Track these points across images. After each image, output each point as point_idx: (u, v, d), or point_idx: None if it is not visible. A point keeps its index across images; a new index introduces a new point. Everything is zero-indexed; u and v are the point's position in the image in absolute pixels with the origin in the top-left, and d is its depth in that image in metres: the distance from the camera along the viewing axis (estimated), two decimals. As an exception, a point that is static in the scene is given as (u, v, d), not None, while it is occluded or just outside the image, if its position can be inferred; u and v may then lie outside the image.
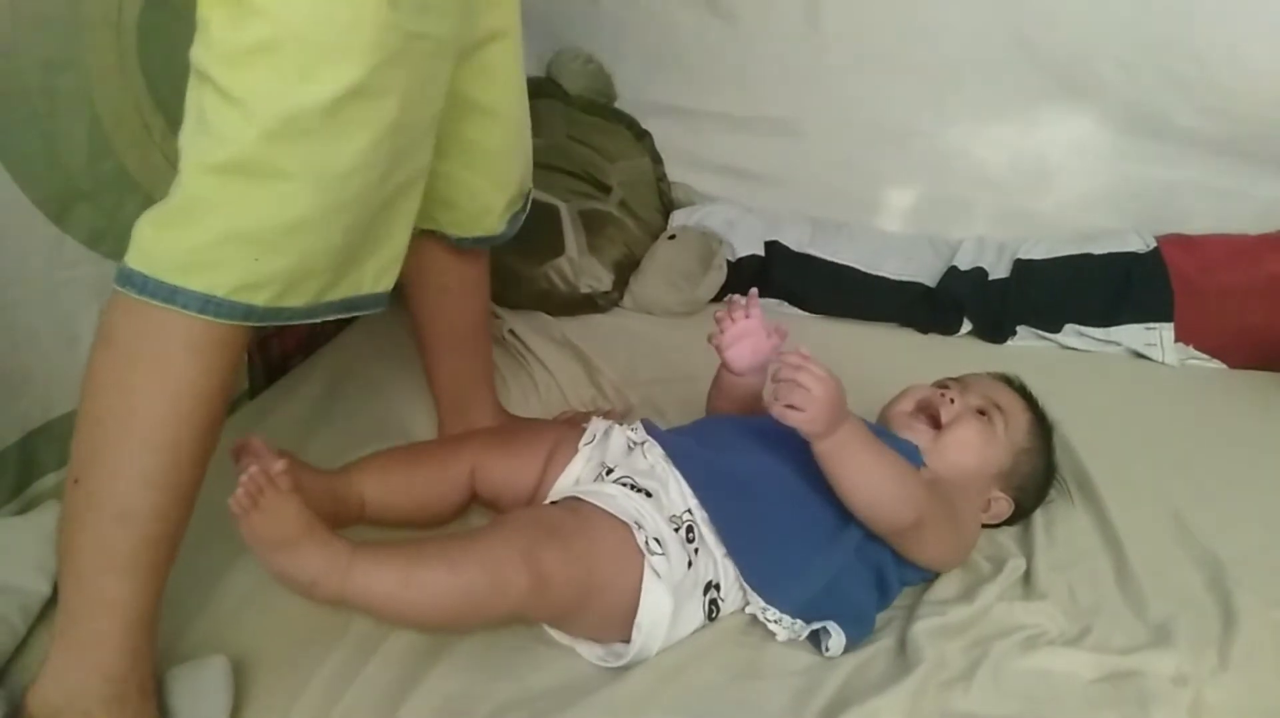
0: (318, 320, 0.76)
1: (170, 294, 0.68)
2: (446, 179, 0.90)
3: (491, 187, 0.95)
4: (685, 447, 0.91)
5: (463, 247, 0.98)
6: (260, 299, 0.70)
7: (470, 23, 0.81)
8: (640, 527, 0.83)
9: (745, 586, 0.85)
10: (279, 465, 0.74)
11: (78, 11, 0.88)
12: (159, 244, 0.69)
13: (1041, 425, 1.01)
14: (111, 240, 0.95)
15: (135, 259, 0.69)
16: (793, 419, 0.80)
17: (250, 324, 0.71)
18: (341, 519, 0.92)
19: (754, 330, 0.94)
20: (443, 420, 1.11)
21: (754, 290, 0.96)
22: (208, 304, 0.69)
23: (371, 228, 0.75)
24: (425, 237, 0.96)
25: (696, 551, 0.85)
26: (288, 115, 0.66)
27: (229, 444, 0.94)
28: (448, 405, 1.10)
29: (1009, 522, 1.00)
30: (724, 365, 0.98)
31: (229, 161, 0.67)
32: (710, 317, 1.41)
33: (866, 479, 0.82)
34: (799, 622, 0.85)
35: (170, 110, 0.97)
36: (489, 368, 1.13)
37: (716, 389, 1.01)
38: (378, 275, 0.79)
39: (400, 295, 0.96)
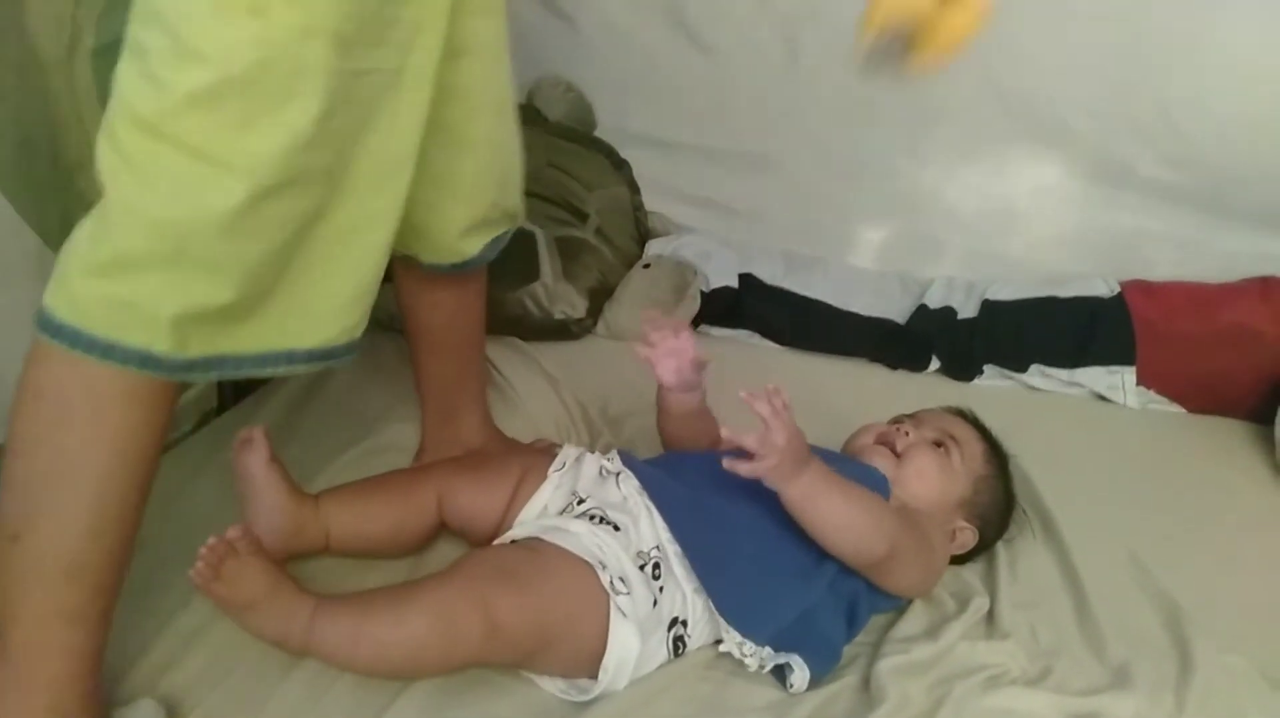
0: (271, 373, 0.74)
1: (106, 350, 0.65)
2: (414, 204, 0.86)
3: (462, 213, 0.91)
4: (660, 479, 0.91)
5: (438, 273, 0.96)
6: (194, 351, 0.68)
7: (436, 47, 0.76)
8: (604, 566, 0.82)
9: (719, 617, 0.85)
10: (235, 531, 0.75)
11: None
12: (90, 295, 0.65)
13: (996, 453, 1.03)
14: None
15: (65, 310, 0.65)
16: (757, 471, 0.80)
17: (192, 378, 0.69)
18: (297, 548, 0.92)
19: (682, 351, 0.97)
20: (426, 429, 1.10)
21: (684, 320, 0.98)
22: (147, 360, 0.66)
23: (306, 271, 0.71)
24: (407, 260, 0.95)
25: (661, 588, 0.85)
26: (228, 164, 0.62)
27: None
28: (432, 412, 1.09)
29: (973, 553, 1.01)
30: (656, 379, 1.00)
31: (160, 216, 0.63)
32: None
33: (836, 520, 0.83)
34: (768, 649, 0.85)
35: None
36: (479, 380, 1.11)
37: (660, 409, 1.02)
38: (330, 322, 0.75)
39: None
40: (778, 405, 0.81)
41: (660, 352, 0.97)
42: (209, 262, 0.65)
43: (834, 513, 0.83)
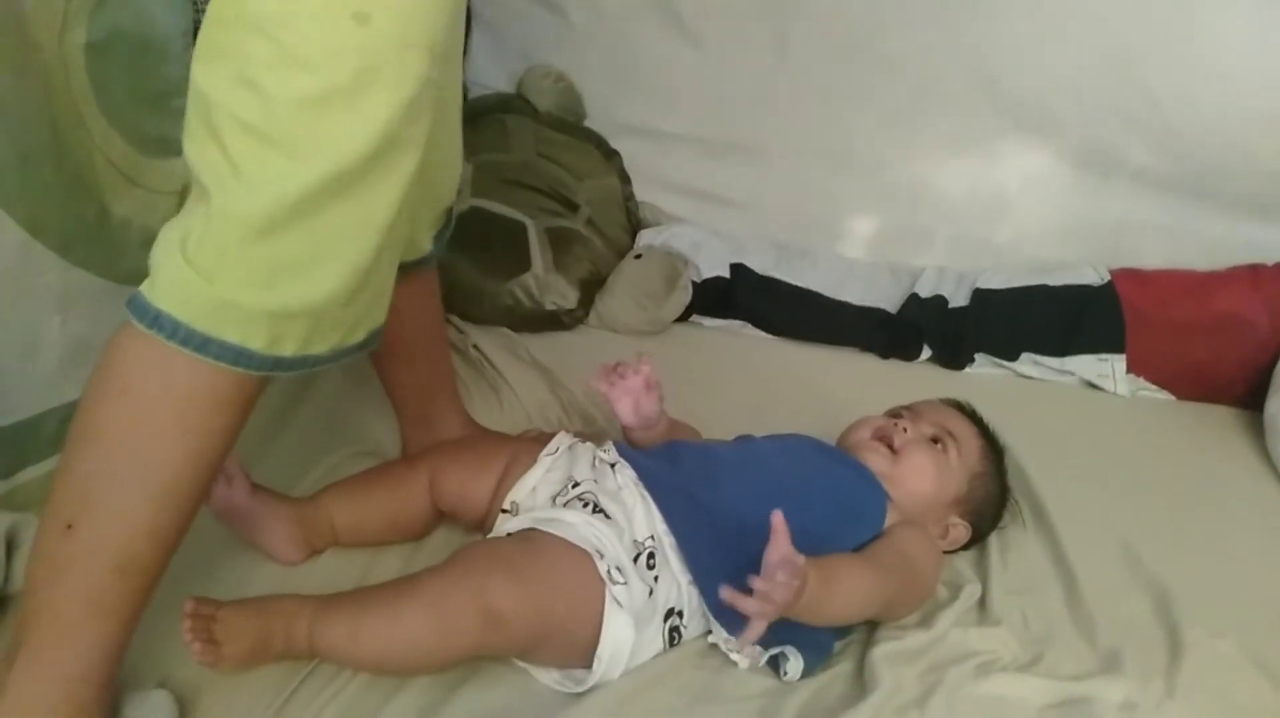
0: (331, 364, 0.74)
1: (203, 344, 0.65)
2: None
3: (426, 210, 0.94)
4: (657, 470, 0.91)
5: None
6: (287, 350, 0.68)
7: None
8: (601, 555, 0.82)
9: (708, 613, 0.85)
10: (188, 607, 0.75)
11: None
12: (192, 288, 0.65)
13: (993, 449, 1.03)
14: (79, 250, 0.93)
15: (168, 300, 0.65)
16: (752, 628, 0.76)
17: (277, 374, 0.69)
18: (316, 544, 0.95)
19: (635, 389, 0.97)
20: (406, 436, 1.10)
21: (645, 353, 0.99)
22: (242, 357, 0.66)
23: (383, 266, 0.74)
24: None
25: (656, 578, 0.85)
26: (336, 169, 0.64)
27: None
28: (410, 419, 1.09)
29: (966, 546, 1.01)
30: (615, 416, 1.00)
31: (266, 215, 0.63)
32: (675, 336, 1.43)
33: (835, 616, 0.84)
34: (758, 647, 0.85)
35: (111, 112, 0.95)
36: (449, 379, 1.11)
37: (626, 439, 1.02)
38: (381, 310, 0.77)
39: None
40: (778, 586, 0.74)
41: (617, 392, 0.98)
42: (308, 259, 0.66)
43: (829, 616, 0.83)
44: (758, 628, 0.75)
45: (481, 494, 0.95)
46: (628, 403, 0.98)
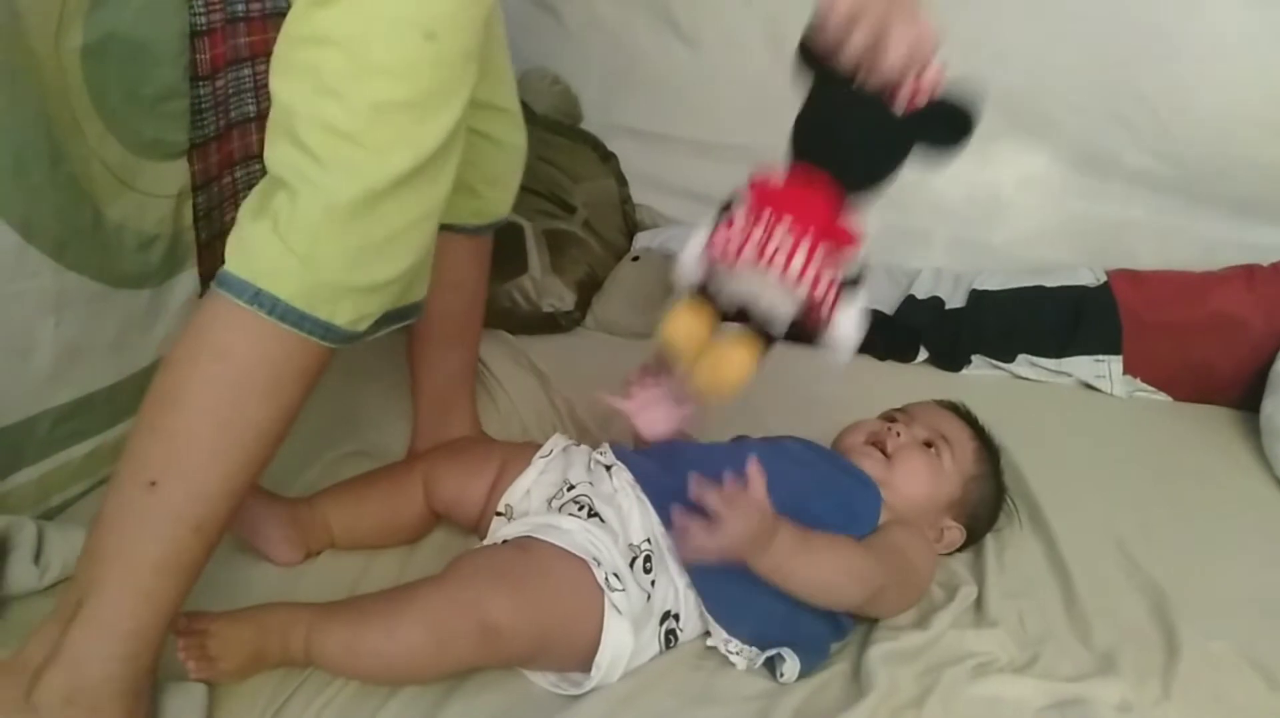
0: (382, 333, 0.80)
1: (299, 319, 0.71)
2: (467, 166, 0.92)
3: (506, 176, 1.04)
4: (654, 472, 0.91)
5: (481, 234, 1.04)
6: (363, 325, 0.75)
7: None
8: (598, 563, 0.82)
9: (707, 615, 0.85)
10: (181, 624, 0.75)
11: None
12: (290, 270, 0.71)
13: (988, 451, 1.03)
14: (73, 252, 0.93)
15: (267, 280, 0.71)
16: (705, 550, 0.79)
17: (347, 345, 0.75)
18: (313, 547, 0.95)
19: (661, 399, 0.92)
20: (419, 423, 1.10)
21: (665, 364, 0.94)
22: (329, 332, 0.73)
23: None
24: (443, 234, 0.94)
25: (654, 582, 0.85)
26: (416, 162, 0.71)
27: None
28: (429, 404, 1.09)
29: (961, 548, 1.01)
30: (632, 431, 0.96)
31: (354, 203, 0.70)
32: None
33: (809, 584, 0.83)
34: (754, 648, 0.85)
35: (107, 115, 0.95)
36: (474, 371, 1.14)
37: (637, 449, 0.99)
38: (425, 281, 0.83)
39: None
40: (733, 499, 0.77)
41: (636, 404, 0.93)
42: (388, 241, 0.73)
43: (806, 579, 0.82)
44: (700, 550, 0.78)
45: (476, 497, 0.95)
46: (654, 415, 0.93)
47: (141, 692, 0.73)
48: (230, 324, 0.72)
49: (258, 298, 0.70)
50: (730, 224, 0.75)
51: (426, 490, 0.96)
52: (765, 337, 0.78)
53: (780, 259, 0.73)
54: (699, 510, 0.80)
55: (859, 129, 0.74)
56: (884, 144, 0.75)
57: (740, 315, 0.78)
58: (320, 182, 0.70)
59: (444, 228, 0.94)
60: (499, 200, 1.04)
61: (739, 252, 0.74)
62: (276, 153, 0.72)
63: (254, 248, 0.72)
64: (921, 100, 0.74)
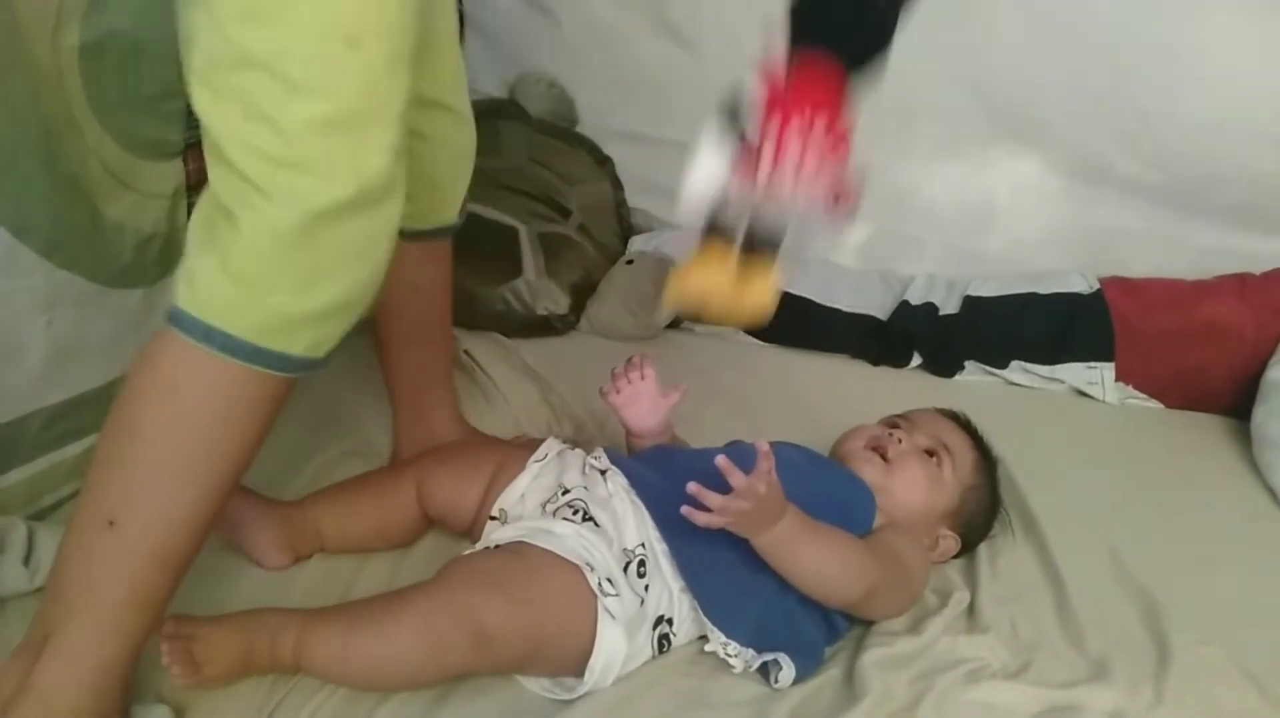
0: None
1: (252, 354, 0.69)
2: (432, 169, 0.93)
3: (453, 182, 1.00)
4: (648, 477, 0.91)
5: (425, 239, 1.00)
6: (320, 352, 0.73)
7: None
8: (591, 568, 0.82)
9: (704, 618, 0.85)
10: (169, 628, 0.75)
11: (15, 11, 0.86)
12: (241, 305, 0.69)
13: (986, 461, 1.03)
14: (66, 252, 0.92)
15: (214, 315, 0.69)
16: (713, 523, 0.79)
17: (308, 374, 0.73)
18: (302, 551, 0.94)
19: (648, 392, 0.97)
20: (399, 425, 1.10)
21: (647, 355, 0.99)
22: (286, 363, 0.71)
23: None
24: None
25: (647, 587, 0.85)
26: (360, 184, 0.67)
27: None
28: (406, 406, 1.09)
29: (956, 555, 1.01)
30: (622, 424, 1.00)
31: (299, 229, 0.67)
32: (667, 342, 1.43)
33: (807, 570, 0.83)
34: (750, 650, 0.85)
35: (104, 114, 0.94)
36: (447, 365, 1.12)
37: (629, 447, 1.02)
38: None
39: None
40: (757, 474, 0.78)
41: (623, 398, 0.98)
42: (340, 264, 0.70)
43: (808, 565, 0.82)
44: (721, 512, 0.77)
45: (470, 502, 0.94)
46: (640, 407, 0.98)
47: None
48: (183, 359, 0.70)
49: (209, 336, 0.69)
50: (752, 148, 0.70)
51: (420, 495, 0.96)
52: (773, 248, 0.74)
53: (814, 167, 0.69)
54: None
55: None
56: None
57: (748, 237, 0.74)
58: (263, 210, 0.67)
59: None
60: (440, 205, 1.00)
61: (772, 172, 0.69)
62: (217, 176, 0.69)
63: (203, 283, 0.70)
64: None
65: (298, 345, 0.71)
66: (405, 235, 0.96)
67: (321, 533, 0.95)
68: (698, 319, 0.79)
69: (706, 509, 0.78)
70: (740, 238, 0.73)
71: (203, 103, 0.68)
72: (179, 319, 0.70)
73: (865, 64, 0.73)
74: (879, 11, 0.72)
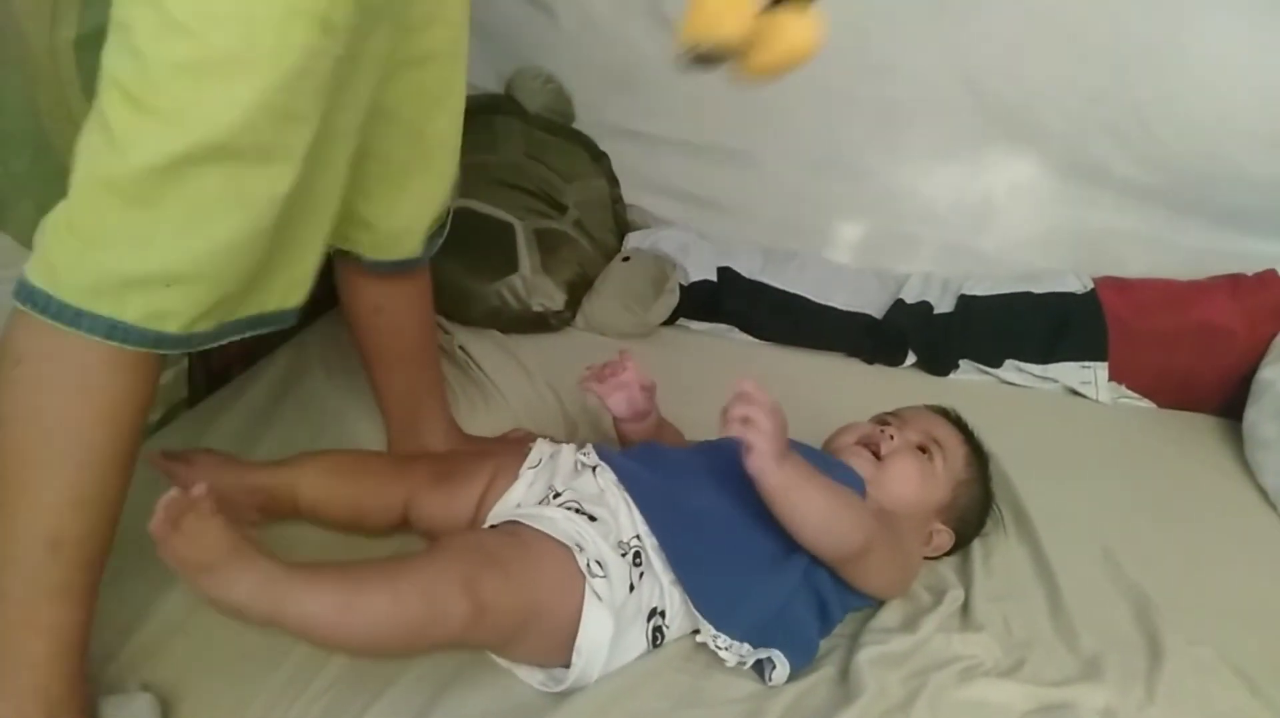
0: (224, 342, 0.73)
1: (75, 318, 0.65)
2: (366, 198, 0.88)
3: (413, 207, 0.93)
4: (636, 472, 0.92)
5: (379, 270, 0.95)
6: (171, 327, 0.67)
7: (406, 40, 0.81)
8: (581, 549, 0.82)
9: (695, 612, 0.85)
10: (199, 489, 0.70)
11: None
12: (65, 262, 0.65)
13: (978, 456, 1.04)
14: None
15: (40, 275, 0.65)
16: (751, 455, 0.80)
17: (161, 351, 0.68)
18: (274, 513, 0.94)
19: (630, 383, 1.01)
20: (392, 438, 1.10)
21: (627, 350, 1.04)
22: (114, 330, 0.65)
23: (283, 245, 0.73)
24: (341, 259, 0.94)
25: (642, 575, 0.85)
26: (212, 138, 0.62)
27: (166, 451, 0.93)
28: (397, 422, 1.08)
29: (950, 552, 1.02)
30: (607, 410, 1.04)
31: (134, 177, 0.62)
32: (663, 339, 1.43)
33: (812, 510, 0.83)
34: (746, 646, 0.85)
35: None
36: (437, 383, 1.11)
37: (619, 437, 1.06)
38: (286, 292, 0.76)
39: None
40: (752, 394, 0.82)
41: (609, 386, 1.01)
42: (180, 227, 0.65)
43: (811, 506, 0.83)
44: (762, 454, 0.80)
45: (463, 513, 0.94)
46: (621, 395, 1.01)
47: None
48: (20, 326, 0.66)
49: (31, 297, 0.64)
50: None
51: (410, 510, 0.96)
52: None
53: None
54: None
55: None
56: None
57: None
58: (103, 153, 0.62)
59: (341, 253, 0.92)
60: (401, 236, 0.94)
61: None
62: (90, 117, 0.65)
63: (40, 239, 0.66)
64: None
65: (132, 312, 0.65)
66: (361, 262, 0.94)
67: (297, 496, 0.95)
68: (719, 60, 0.68)
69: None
70: None
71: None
72: (30, 292, 0.66)
73: None
74: None
